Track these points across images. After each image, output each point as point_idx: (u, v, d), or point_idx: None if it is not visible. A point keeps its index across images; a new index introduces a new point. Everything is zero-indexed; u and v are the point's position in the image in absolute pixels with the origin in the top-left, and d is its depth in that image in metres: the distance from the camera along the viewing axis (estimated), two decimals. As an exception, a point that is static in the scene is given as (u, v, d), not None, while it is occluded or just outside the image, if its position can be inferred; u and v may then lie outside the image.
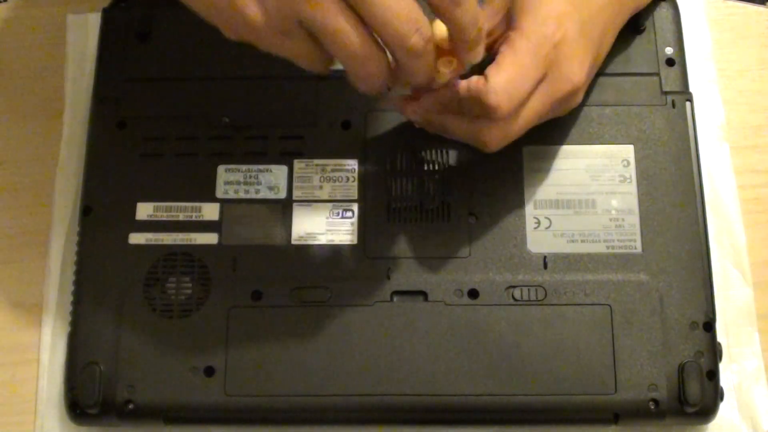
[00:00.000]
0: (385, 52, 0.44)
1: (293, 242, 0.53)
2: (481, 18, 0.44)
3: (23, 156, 0.58)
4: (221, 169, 0.54)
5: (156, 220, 0.53)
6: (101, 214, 0.53)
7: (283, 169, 0.54)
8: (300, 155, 0.54)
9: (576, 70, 0.49)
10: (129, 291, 0.52)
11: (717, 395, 0.50)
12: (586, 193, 0.54)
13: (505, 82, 0.46)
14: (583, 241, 0.53)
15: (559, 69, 0.48)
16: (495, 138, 0.49)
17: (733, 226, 0.56)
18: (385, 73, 0.44)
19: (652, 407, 0.50)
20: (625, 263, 0.52)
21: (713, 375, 0.50)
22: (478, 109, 0.47)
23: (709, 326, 0.51)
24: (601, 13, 0.51)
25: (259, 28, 0.42)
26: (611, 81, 0.55)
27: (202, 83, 0.56)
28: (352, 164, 0.54)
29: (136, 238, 0.53)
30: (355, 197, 0.53)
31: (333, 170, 0.54)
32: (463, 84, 0.47)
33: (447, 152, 0.54)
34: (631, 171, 0.54)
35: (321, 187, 0.54)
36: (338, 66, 0.44)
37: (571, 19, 0.48)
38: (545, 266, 0.52)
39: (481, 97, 0.46)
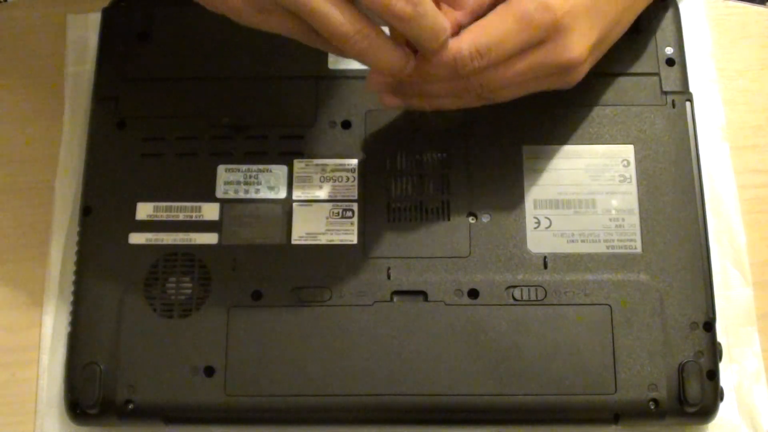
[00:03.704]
0: (379, 29, 0.42)
1: (293, 242, 0.53)
2: (443, 28, 0.43)
3: (23, 156, 0.58)
4: (221, 169, 0.54)
5: (156, 220, 0.53)
6: (101, 214, 0.53)
7: (283, 169, 0.54)
8: (300, 155, 0.54)
9: (576, 44, 0.48)
10: (129, 291, 0.52)
11: (717, 395, 0.50)
12: (586, 193, 0.54)
13: (479, 44, 0.45)
14: (583, 241, 0.53)
15: (558, 39, 0.47)
16: (473, 88, 0.48)
17: (733, 226, 0.56)
18: (382, 49, 0.43)
19: (652, 407, 0.50)
20: (625, 263, 0.52)
21: (713, 375, 0.50)
22: (448, 72, 0.46)
23: (709, 326, 0.51)
24: None
25: (239, 8, 0.43)
26: (611, 81, 0.55)
27: (202, 83, 0.56)
28: (352, 164, 0.54)
29: (136, 238, 0.53)
30: (355, 197, 0.53)
31: (333, 170, 0.54)
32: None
33: (447, 152, 0.54)
34: (631, 171, 0.54)
35: (321, 187, 0.54)
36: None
37: None
38: (545, 266, 0.52)
39: (452, 59, 0.45)
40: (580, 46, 0.48)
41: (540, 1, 0.46)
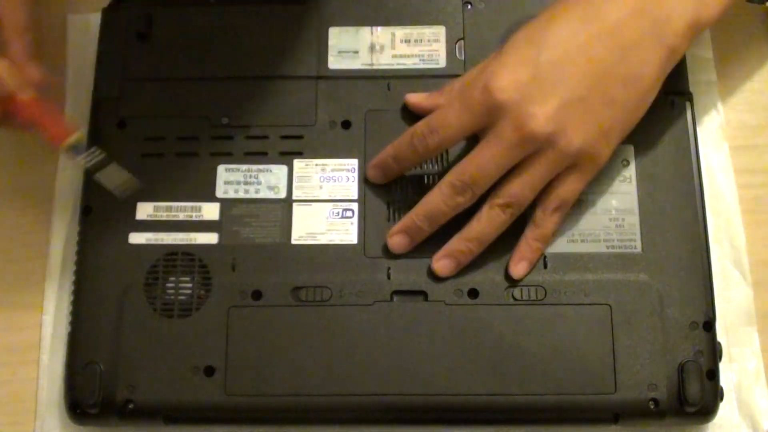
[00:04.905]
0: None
1: (293, 242, 0.53)
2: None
3: (23, 156, 0.58)
4: (221, 169, 0.54)
5: (156, 220, 0.53)
6: (101, 214, 0.53)
7: (283, 169, 0.54)
8: (300, 155, 0.54)
9: (533, 115, 0.47)
10: (129, 291, 0.52)
11: (717, 395, 0.50)
12: (586, 193, 0.53)
13: (430, 121, 0.50)
14: (583, 241, 0.53)
15: (509, 115, 0.48)
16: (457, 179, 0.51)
17: (733, 226, 0.56)
18: None
19: (652, 407, 0.50)
20: (625, 263, 0.52)
21: (713, 375, 0.50)
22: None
23: (709, 326, 0.51)
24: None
25: None
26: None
27: (202, 83, 0.56)
28: (352, 164, 0.54)
29: (136, 238, 0.53)
30: (355, 197, 0.54)
31: (333, 170, 0.54)
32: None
33: (447, 152, 0.54)
34: (631, 171, 0.54)
35: (321, 187, 0.54)
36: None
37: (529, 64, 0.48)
38: (545, 266, 0.52)
39: (409, 134, 0.51)
40: (548, 124, 0.47)
41: (482, 86, 0.49)
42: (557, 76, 0.48)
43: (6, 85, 0.50)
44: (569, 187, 0.50)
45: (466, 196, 0.50)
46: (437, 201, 0.51)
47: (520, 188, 0.49)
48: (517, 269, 0.52)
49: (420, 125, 0.51)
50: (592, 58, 0.48)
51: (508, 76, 0.48)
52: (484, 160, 0.49)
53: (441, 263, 0.52)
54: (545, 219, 0.51)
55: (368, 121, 0.55)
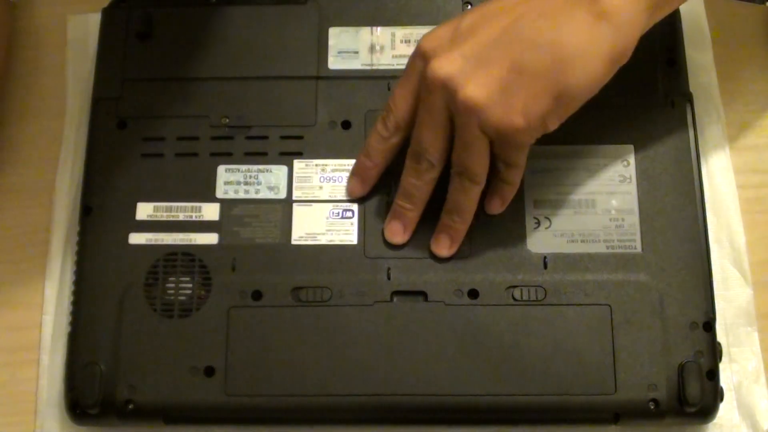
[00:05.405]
0: None
1: (293, 242, 0.53)
2: None
3: (23, 156, 0.58)
4: (221, 169, 0.54)
5: (156, 220, 0.53)
6: (101, 214, 0.53)
7: (283, 169, 0.54)
8: (300, 155, 0.54)
9: (438, 67, 0.48)
10: (129, 291, 0.52)
11: (717, 395, 0.50)
12: (586, 193, 0.54)
13: (389, 103, 0.51)
14: (583, 241, 0.53)
15: (425, 66, 0.48)
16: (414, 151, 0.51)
17: (733, 226, 0.56)
18: None
19: (652, 407, 0.50)
20: (625, 263, 0.52)
21: (713, 375, 0.50)
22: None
23: (709, 326, 0.51)
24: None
25: None
26: (611, 81, 0.55)
27: (202, 83, 0.56)
28: (352, 164, 0.54)
29: (136, 238, 0.53)
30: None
31: (333, 170, 0.54)
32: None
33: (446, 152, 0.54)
34: (631, 171, 0.54)
35: (321, 187, 0.54)
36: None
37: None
38: (545, 266, 0.52)
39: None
40: (442, 67, 0.47)
41: (414, 51, 0.49)
42: (468, 36, 0.48)
43: None
44: (505, 153, 0.50)
45: (423, 164, 0.50)
46: (407, 177, 0.51)
47: (458, 154, 0.49)
48: (492, 206, 0.52)
49: (381, 114, 0.51)
50: (504, 22, 0.48)
51: (431, 37, 0.49)
52: (420, 121, 0.49)
53: (435, 241, 0.52)
54: (502, 171, 0.51)
55: (368, 121, 0.55)
